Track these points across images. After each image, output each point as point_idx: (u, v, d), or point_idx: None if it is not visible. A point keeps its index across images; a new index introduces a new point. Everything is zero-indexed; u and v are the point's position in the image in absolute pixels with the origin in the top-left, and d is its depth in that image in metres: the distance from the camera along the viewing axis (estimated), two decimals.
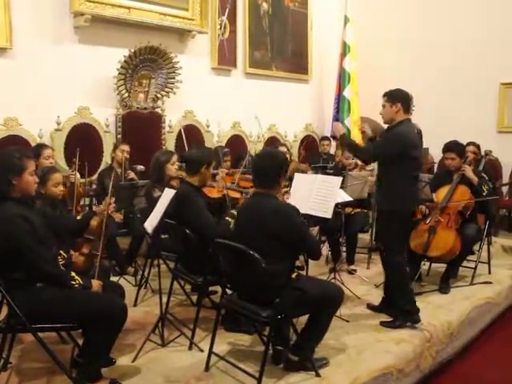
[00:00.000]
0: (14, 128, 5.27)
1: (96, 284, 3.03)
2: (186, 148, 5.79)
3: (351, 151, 4.73)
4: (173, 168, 4.85)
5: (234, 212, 3.59)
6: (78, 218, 3.62)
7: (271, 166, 3.17)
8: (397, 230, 3.92)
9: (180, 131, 6.21)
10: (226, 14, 7.14)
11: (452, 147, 4.97)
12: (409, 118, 4.01)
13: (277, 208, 3.12)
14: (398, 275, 3.99)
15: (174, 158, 4.90)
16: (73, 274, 2.96)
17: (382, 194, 4.03)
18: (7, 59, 5.26)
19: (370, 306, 4.34)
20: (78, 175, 4.91)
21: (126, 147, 5.41)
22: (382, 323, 3.98)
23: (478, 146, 5.80)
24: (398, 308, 3.97)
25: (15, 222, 2.76)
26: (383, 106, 4.01)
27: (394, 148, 3.83)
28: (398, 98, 3.94)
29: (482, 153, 5.74)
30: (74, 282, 2.91)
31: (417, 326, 3.88)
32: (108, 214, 3.44)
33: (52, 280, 2.85)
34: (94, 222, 3.41)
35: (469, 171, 4.90)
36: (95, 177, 5.58)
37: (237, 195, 4.77)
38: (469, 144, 5.59)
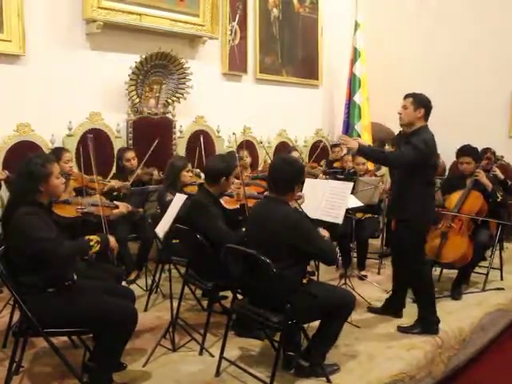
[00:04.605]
0: (26, 133, 5.31)
1: (112, 240, 3.08)
2: (204, 157, 5.86)
3: (377, 161, 4.61)
4: (188, 175, 4.87)
5: None
6: None
7: (289, 173, 3.16)
8: (421, 239, 3.88)
9: (199, 141, 6.21)
10: (237, 19, 7.15)
11: (468, 151, 4.95)
12: (427, 125, 3.87)
13: (287, 215, 3.10)
14: (425, 285, 3.95)
15: (189, 165, 4.94)
16: (87, 237, 2.97)
17: (404, 202, 3.85)
18: (20, 66, 5.31)
19: (373, 310, 4.33)
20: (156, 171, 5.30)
21: (131, 154, 5.41)
22: (400, 328, 3.95)
23: (493, 153, 5.77)
24: (420, 316, 3.95)
25: (25, 218, 2.79)
26: (405, 107, 3.82)
27: (425, 155, 3.71)
28: (423, 103, 3.79)
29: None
30: (92, 244, 2.93)
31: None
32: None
33: (76, 254, 2.96)
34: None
35: (483, 177, 4.87)
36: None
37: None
38: (486, 150, 5.55)
